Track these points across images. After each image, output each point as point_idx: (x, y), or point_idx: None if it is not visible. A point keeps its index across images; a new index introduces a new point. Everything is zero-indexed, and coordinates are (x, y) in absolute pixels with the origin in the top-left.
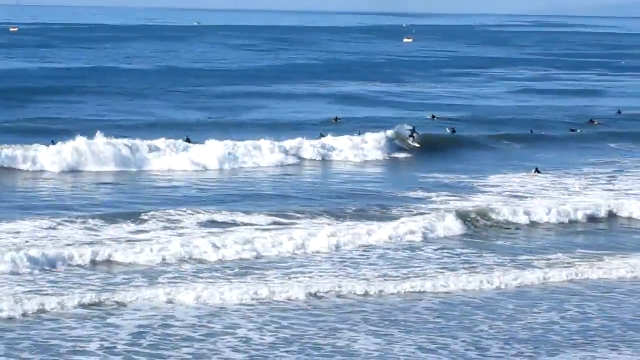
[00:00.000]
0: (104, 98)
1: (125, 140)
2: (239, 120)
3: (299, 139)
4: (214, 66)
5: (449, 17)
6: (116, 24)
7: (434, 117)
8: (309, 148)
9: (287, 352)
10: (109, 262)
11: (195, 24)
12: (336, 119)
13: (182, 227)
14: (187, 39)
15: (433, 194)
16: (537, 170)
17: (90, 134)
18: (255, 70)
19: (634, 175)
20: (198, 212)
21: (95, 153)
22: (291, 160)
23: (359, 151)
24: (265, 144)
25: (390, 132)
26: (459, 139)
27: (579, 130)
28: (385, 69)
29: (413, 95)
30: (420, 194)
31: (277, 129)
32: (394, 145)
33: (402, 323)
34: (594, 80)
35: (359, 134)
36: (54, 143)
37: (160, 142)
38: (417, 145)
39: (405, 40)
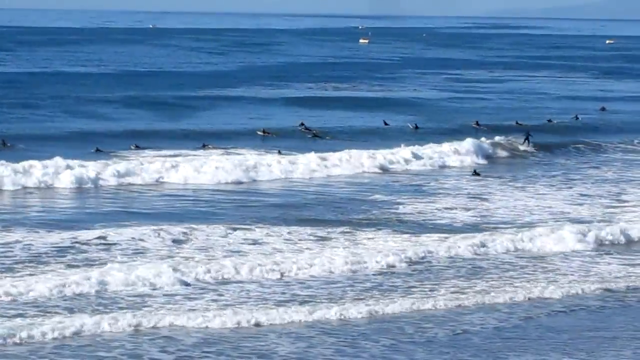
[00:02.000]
0: (53, 103)
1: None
2: (194, 127)
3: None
4: (168, 69)
5: (402, 19)
6: (67, 27)
7: (385, 123)
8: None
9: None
10: None
11: (150, 26)
12: (302, 124)
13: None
14: (141, 42)
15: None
16: (475, 172)
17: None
18: (209, 73)
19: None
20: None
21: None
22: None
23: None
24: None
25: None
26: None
27: (525, 123)
28: (342, 70)
29: (369, 96)
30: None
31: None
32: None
33: None
34: (549, 81)
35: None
36: (4, 142)
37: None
38: (530, 150)
39: (361, 41)
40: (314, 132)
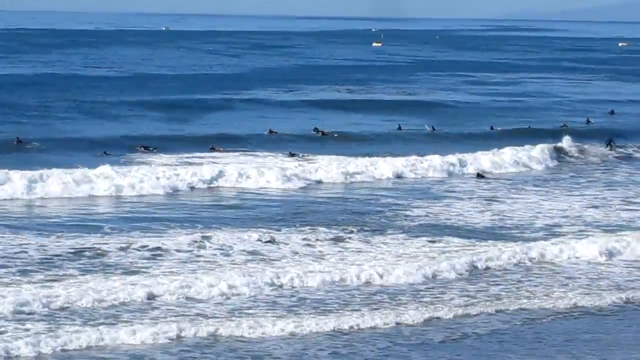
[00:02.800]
0: (67, 105)
1: None
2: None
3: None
4: (181, 72)
5: (414, 22)
6: (82, 29)
7: (399, 127)
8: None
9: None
10: None
11: (163, 28)
12: (315, 129)
13: None
14: (154, 44)
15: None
16: (480, 175)
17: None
18: (222, 76)
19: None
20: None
21: None
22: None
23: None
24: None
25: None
26: None
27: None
28: (357, 73)
29: (383, 99)
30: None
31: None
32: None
33: None
34: (561, 84)
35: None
36: (19, 141)
37: None
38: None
39: (375, 44)
40: (322, 131)
